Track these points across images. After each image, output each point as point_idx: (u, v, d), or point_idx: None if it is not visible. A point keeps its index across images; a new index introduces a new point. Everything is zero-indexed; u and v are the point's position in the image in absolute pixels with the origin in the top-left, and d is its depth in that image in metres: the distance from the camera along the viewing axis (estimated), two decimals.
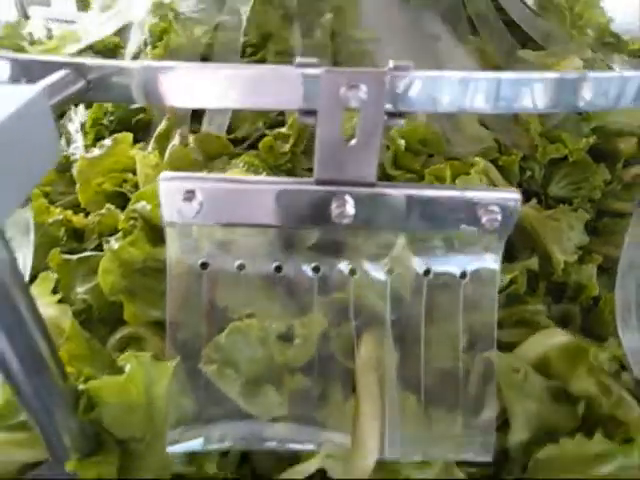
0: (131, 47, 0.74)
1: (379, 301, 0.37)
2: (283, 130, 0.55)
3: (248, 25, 0.70)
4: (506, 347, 0.40)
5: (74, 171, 0.53)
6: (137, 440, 0.35)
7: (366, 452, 0.35)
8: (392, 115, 0.30)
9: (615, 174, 0.58)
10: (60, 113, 0.61)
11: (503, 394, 0.37)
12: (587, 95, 0.32)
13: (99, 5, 0.85)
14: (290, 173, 0.54)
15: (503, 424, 0.38)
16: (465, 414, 0.37)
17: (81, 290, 0.40)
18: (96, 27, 0.79)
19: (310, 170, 0.52)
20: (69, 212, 0.47)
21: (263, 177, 0.46)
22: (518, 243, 0.49)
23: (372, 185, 0.32)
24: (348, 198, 0.32)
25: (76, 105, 0.61)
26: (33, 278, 0.41)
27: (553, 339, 0.40)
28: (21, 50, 0.79)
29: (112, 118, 0.58)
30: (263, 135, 0.56)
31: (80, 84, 0.30)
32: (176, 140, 0.52)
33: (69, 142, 0.59)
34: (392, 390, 0.36)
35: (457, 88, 0.30)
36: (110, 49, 0.76)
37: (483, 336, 0.38)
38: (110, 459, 0.34)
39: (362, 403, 0.36)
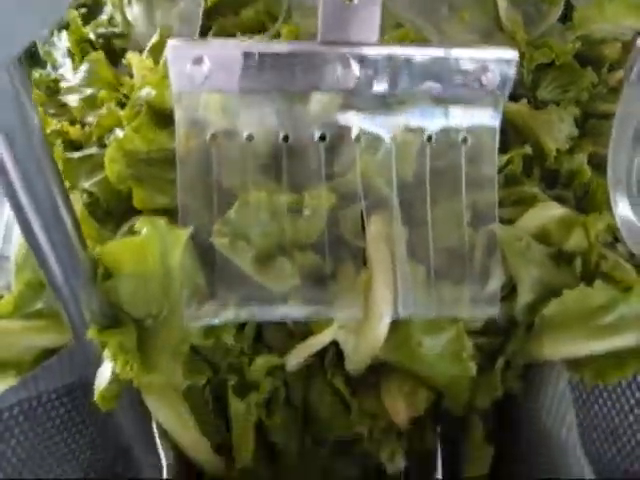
0: None
1: (385, 187, 0.37)
2: None
3: None
4: (507, 223, 0.41)
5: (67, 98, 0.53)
6: (153, 316, 0.35)
7: (379, 320, 0.36)
8: None
9: (601, 78, 0.60)
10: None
11: (508, 262, 0.38)
12: None
13: None
14: None
15: (508, 294, 0.40)
16: (472, 286, 0.38)
17: (86, 184, 0.39)
18: None
19: None
20: (66, 123, 0.47)
21: (269, 42, 0.45)
22: (511, 137, 0.50)
23: (376, 45, 0.32)
24: (352, 60, 0.32)
25: (59, 31, 0.60)
26: None
27: (551, 211, 0.41)
28: None
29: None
30: None
31: None
32: None
33: (56, 67, 0.58)
34: (403, 262, 0.37)
35: None
36: None
37: (485, 212, 0.39)
38: (129, 333, 0.34)
39: (375, 272, 0.36)
